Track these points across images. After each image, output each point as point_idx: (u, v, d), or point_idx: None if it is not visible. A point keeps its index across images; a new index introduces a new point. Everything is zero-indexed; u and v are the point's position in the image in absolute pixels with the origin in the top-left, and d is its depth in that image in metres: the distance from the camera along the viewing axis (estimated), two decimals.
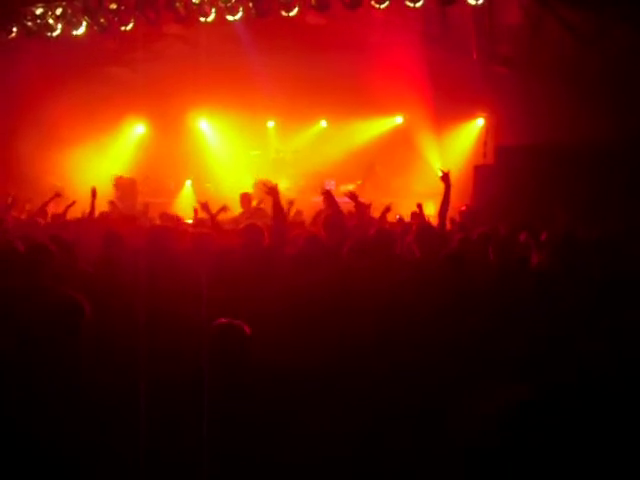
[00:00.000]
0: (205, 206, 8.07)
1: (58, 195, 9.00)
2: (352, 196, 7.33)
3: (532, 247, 6.64)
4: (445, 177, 7.03)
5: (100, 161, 16.87)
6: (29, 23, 11.27)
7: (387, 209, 8.30)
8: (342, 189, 13.94)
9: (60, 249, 5.57)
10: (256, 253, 5.50)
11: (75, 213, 9.26)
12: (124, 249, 6.33)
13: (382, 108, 15.69)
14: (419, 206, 8.51)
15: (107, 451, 3.97)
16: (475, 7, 10.45)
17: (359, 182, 14.94)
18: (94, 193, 8.69)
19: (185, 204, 16.10)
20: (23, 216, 10.19)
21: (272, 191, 6.51)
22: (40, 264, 5.22)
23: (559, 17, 10.49)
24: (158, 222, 9.24)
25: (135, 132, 17.93)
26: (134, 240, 6.97)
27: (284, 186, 15.22)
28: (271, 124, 17.21)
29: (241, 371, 3.88)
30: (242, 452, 3.81)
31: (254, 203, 13.59)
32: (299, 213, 10.07)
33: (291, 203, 8.58)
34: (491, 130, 14.31)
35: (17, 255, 5.43)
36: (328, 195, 6.88)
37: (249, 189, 14.33)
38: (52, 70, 14.56)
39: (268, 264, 5.13)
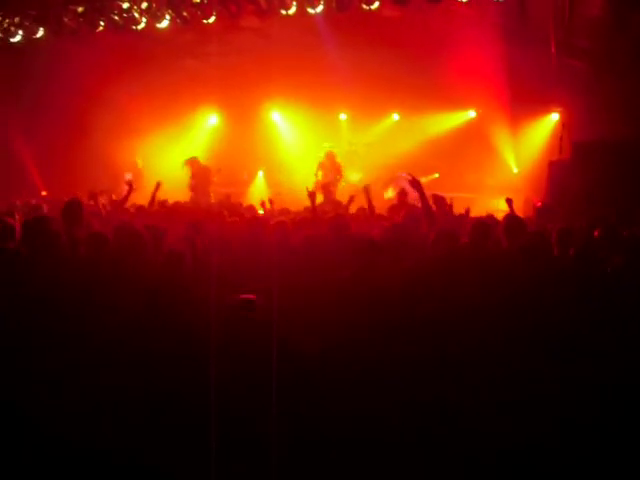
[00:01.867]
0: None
1: (132, 187, 9.21)
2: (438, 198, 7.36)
3: (606, 245, 6.55)
4: (413, 182, 6.97)
5: (173, 150, 17.24)
6: (116, 17, 11.62)
7: (467, 211, 8.37)
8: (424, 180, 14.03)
9: (153, 239, 5.80)
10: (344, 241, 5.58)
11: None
12: (206, 239, 6.48)
13: (455, 102, 15.59)
14: (509, 201, 8.52)
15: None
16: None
17: (436, 175, 14.91)
18: (158, 186, 9.00)
19: (257, 195, 16.39)
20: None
21: (415, 184, 6.62)
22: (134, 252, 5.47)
23: None
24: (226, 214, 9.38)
25: (209, 123, 18.24)
26: (215, 230, 7.16)
27: (356, 179, 15.34)
28: (344, 117, 17.28)
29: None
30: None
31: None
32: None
33: (367, 192, 8.68)
34: (567, 125, 14.09)
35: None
36: (416, 184, 6.87)
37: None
38: (127, 60, 14.93)
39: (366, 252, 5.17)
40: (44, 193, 15.31)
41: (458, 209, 9.02)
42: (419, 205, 7.90)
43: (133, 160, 16.59)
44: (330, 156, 14.95)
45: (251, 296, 4.45)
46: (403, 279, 4.70)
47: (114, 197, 11.28)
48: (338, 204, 9.83)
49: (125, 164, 16.49)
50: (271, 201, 10.04)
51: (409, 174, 7.14)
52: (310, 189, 11.73)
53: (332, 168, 14.52)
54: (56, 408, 4.19)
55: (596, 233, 7.14)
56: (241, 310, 4.40)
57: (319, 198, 13.35)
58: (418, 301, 4.56)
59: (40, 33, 12.38)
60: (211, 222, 7.79)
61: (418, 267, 4.90)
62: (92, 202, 9.96)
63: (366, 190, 8.67)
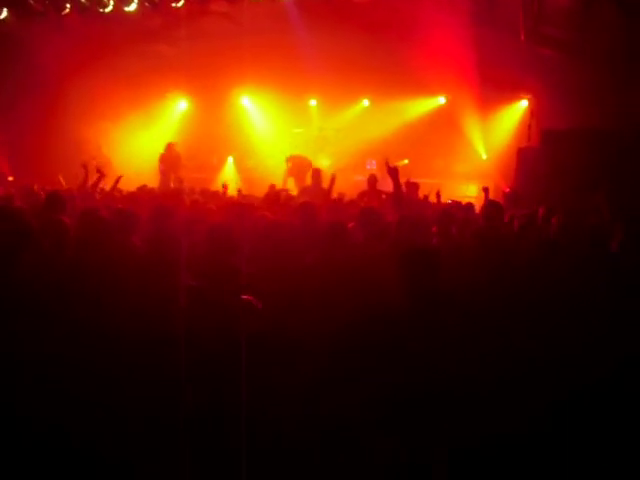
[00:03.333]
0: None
1: (102, 173, 9.12)
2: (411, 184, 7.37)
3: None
4: (390, 170, 6.97)
5: (143, 136, 17.10)
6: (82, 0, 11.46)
7: (438, 193, 8.42)
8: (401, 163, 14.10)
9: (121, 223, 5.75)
10: (312, 230, 5.58)
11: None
12: (173, 224, 6.44)
13: (425, 88, 15.62)
14: (485, 189, 8.60)
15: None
16: None
17: (405, 161, 14.94)
18: (118, 180, 9.02)
19: (227, 180, 16.31)
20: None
21: (392, 171, 6.60)
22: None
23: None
24: (198, 197, 9.34)
25: (178, 108, 18.10)
26: (182, 215, 7.11)
27: (325, 164, 15.31)
28: (313, 102, 17.23)
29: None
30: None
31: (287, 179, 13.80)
32: (341, 194, 10.10)
33: (333, 180, 8.69)
34: (536, 113, 14.19)
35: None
36: (393, 171, 6.84)
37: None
38: (95, 45, 14.74)
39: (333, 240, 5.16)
40: (11, 178, 15.07)
41: (428, 195, 9.10)
42: (389, 191, 7.92)
43: (98, 146, 16.39)
44: (293, 161, 14.77)
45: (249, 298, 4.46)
46: (367, 265, 4.71)
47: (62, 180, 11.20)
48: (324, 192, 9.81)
49: (91, 150, 16.29)
50: (225, 186, 10.10)
51: (386, 161, 7.11)
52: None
53: (300, 168, 14.36)
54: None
55: (554, 220, 7.20)
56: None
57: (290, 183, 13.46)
58: (380, 288, 4.55)
59: (4, 14, 12.14)
60: (178, 206, 7.74)
61: (382, 253, 4.89)
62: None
63: (332, 178, 8.69)
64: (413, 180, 10.14)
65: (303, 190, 11.14)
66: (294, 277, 4.89)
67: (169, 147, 15.17)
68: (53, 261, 5.14)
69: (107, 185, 9.55)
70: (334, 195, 8.98)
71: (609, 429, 3.95)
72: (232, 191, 10.38)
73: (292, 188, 12.79)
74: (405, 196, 7.94)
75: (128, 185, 10.04)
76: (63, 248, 5.33)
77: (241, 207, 7.08)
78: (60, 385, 4.15)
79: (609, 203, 8.59)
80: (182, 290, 4.50)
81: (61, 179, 11.12)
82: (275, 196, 9.04)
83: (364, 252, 5.14)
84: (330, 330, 4.16)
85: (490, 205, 6.85)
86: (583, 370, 4.04)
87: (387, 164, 7.01)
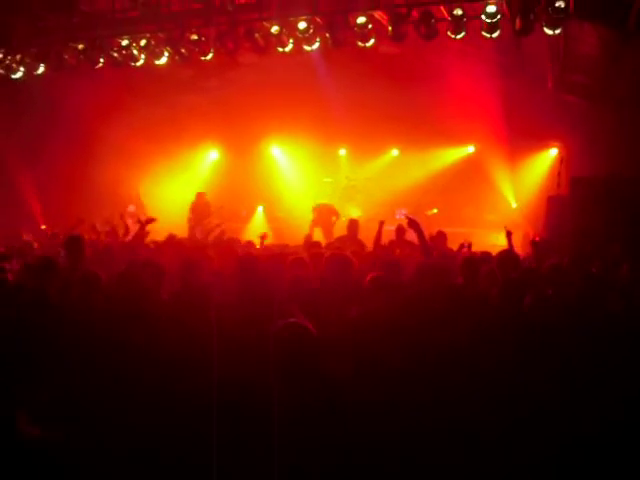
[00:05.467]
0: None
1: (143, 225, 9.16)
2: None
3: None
4: (411, 223, 6.95)
5: (173, 185, 17.32)
6: (115, 54, 11.72)
7: (466, 245, 8.36)
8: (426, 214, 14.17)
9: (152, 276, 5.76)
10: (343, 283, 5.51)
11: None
12: (202, 276, 6.44)
13: (454, 137, 15.72)
14: (508, 233, 8.49)
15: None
16: (551, 37, 10.37)
17: (435, 211, 14.91)
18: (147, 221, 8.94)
19: (256, 230, 16.40)
20: (95, 236, 10.46)
21: (413, 223, 6.61)
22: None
23: (637, 48, 10.35)
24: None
25: (209, 157, 18.34)
26: (210, 267, 7.12)
27: (355, 214, 15.34)
28: (343, 152, 17.38)
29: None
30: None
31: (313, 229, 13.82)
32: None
33: (381, 226, 8.63)
34: (565, 160, 14.13)
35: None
36: (414, 224, 6.84)
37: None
38: (127, 96, 15.05)
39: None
40: (43, 227, 15.32)
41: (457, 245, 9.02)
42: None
43: (135, 193, 16.63)
44: (319, 210, 14.83)
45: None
46: (386, 315, 4.68)
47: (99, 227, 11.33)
48: (360, 242, 9.81)
49: (127, 197, 16.54)
50: (264, 236, 10.06)
51: (407, 214, 7.16)
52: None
53: (326, 216, 14.41)
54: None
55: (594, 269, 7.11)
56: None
57: (317, 234, 13.45)
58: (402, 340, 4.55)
59: (41, 69, 12.46)
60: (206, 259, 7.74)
61: (400, 305, 4.87)
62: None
63: (380, 225, 8.63)
64: (441, 230, 10.11)
65: (337, 241, 11.10)
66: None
67: (199, 196, 15.35)
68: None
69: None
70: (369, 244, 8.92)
71: None
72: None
73: (319, 237, 12.79)
74: (433, 246, 7.91)
75: (160, 235, 10.11)
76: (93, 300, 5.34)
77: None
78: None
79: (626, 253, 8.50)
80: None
81: (97, 226, 11.24)
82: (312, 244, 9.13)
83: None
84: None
85: (504, 253, 6.77)
86: None
87: (408, 218, 7.03)
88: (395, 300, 4.98)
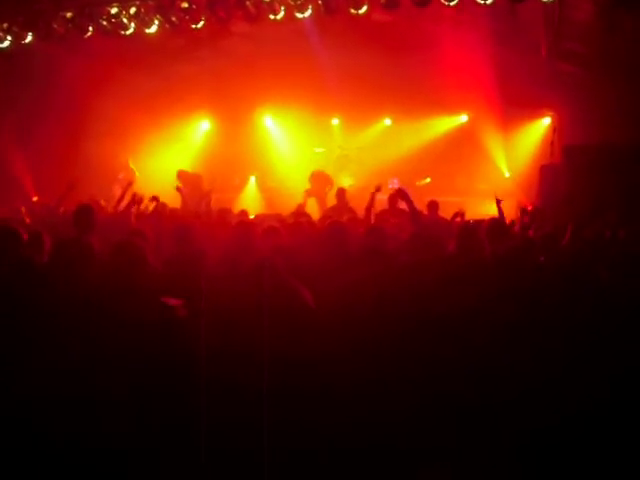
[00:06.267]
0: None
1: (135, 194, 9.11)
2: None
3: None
4: (399, 192, 6.89)
5: (166, 156, 17.19)
6: (104, 22, 11.59)
7: (459, 214, 8.33)
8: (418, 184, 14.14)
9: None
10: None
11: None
12: (196, 245, 6.39)
13: (447, 106, 15.59)
14: (498, 201, 8.44)
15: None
16: (546, 3, 10.30)
17: (427, 180, 14.88)
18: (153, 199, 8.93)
19: (249, 200, 16.35)
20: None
21: (401, 193, 6.57)
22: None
23: (634, 14, 10.29)
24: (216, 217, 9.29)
25: (201, 128, 18.21)
26: (205, 236, 7.09)
27: (347, 183, 15.29)
28: (335, 121, 17.26)
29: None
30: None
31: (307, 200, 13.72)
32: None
33: (372, 198, 8.57)
34: (558, 129, 14.09)
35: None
36: (403, 194, 6.81)
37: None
38: (117, 66, 14.85)
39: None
40: (35, 199, 15.22)
41: (451, 214, 9.00)
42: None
43: (125, 160, 16.52)
44: (316, 174, 14.67)
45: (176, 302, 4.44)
46: (375, 285, 4.66)
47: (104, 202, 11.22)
48: (352, 211, 9.79)
49: (118, 165, 16.41)
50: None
51: (395, 185, 7.09)
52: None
53: (321, 185, 14.28)
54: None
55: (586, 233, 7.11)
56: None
57: (310, 204, 13.39)
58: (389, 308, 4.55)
59: (29, 38, 12.32)
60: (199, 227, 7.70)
61: (389, 273, 4.85)
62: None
63: (372, 194, 8.58)
64: (434, 199, 10.09)
65: (330, 210, 11.08)
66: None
67: (180, 175, 15.20)
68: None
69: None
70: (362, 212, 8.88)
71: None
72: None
73: (313, 207, 12.73)
74: (425, 215, 7.89)
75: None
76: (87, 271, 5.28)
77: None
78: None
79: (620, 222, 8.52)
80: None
81: (102, 202, 11.12)
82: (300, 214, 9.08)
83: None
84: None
85: (493, 222, 6.74)
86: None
87: (396, 189, 6.99)
88: (384, 270, 4.95)
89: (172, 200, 11.86)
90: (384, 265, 4.96)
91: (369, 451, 4.15)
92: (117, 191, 10.64)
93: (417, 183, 14.93)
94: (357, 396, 4.21)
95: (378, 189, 6.98)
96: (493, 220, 6.85)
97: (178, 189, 10.38)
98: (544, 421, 4.15)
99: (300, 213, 9.58)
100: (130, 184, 9.21)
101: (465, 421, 4.20)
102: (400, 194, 6.85)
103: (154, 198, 8.95)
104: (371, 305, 4.57)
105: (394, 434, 4.18)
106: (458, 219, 8.76)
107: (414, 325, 4.42)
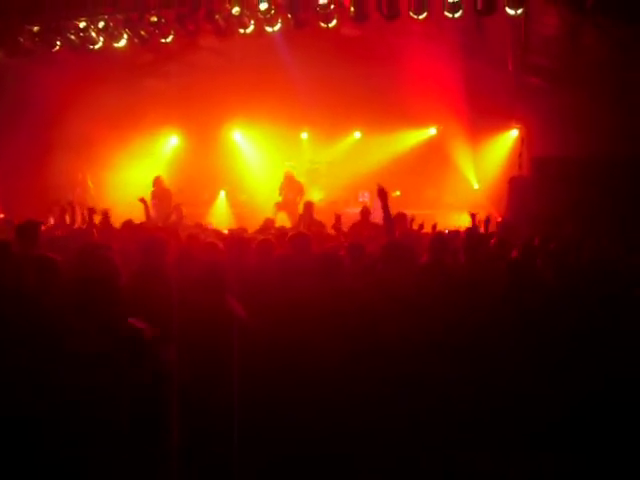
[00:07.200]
0: None
1: (93, 212, 9.03)
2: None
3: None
4: (380, 192, 6.87)
5: (134, 171, 17.05)
6: (72, 37, 11.50)
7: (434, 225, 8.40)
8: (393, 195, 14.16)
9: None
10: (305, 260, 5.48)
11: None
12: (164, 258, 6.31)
13: (416, 119, 15.70)
14: (473, 215, 8.52)
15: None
16: (512, 17, 10.43)
17: (397, 193, 14.95)
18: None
19: (219, 214, 16.28)
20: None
21: (381, 193, 6.53)
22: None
23: (597, 25, 10.45)
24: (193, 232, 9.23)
25: (169, 143, 18.12)
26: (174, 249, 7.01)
27: (317, 197, 15.30)
28: (305, 135, 17.28)
29: None
30: None
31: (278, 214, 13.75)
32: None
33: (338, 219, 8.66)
34: (526, 141, 14.25)
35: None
36: (383, 194, 6.73)
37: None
38: (85, 81, 14.72)
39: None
40: (1, 216, 15.00)
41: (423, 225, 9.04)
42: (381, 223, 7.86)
43: (83, 175, 16.36)
44: (288, 176, 14.88)
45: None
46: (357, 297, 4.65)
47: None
48: (319, 224, 9.80)
49: (74, 182, 16.25)
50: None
51: (378, 184, 6.97)
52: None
53: (292, 188, 14.45)
54: None
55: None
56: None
57: (281, 218, 13.38)
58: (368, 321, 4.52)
59: None
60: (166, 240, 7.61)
61: (368, 286, 4.83)
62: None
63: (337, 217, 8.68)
64: (402, 211, 10.11)
65: (299, 220, 11.10)
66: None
67: (157, 182, 15.12)
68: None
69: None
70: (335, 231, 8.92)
71: None
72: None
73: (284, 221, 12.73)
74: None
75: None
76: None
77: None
78: None
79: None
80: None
81: (51, 219, 11.02)
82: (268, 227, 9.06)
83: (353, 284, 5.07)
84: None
85: (470, 233, 6.79)
86: None
87: (377, 186, 6.91)
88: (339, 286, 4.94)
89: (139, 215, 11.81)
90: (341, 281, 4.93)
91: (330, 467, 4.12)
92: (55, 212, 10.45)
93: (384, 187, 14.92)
94: (323, 410, 4.18)
95: (380, 189, 6.88)
96: (469, 230, 6.89)
97: (141, 200, 10.25)
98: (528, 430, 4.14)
99: (268, 227, 9.56)
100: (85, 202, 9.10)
101: (453, 425, 4.18)
102: (380, 194, 6.75)
103: (105, 211, 8.85)
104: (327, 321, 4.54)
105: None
106: (430, 231, 8.82)
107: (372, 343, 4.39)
